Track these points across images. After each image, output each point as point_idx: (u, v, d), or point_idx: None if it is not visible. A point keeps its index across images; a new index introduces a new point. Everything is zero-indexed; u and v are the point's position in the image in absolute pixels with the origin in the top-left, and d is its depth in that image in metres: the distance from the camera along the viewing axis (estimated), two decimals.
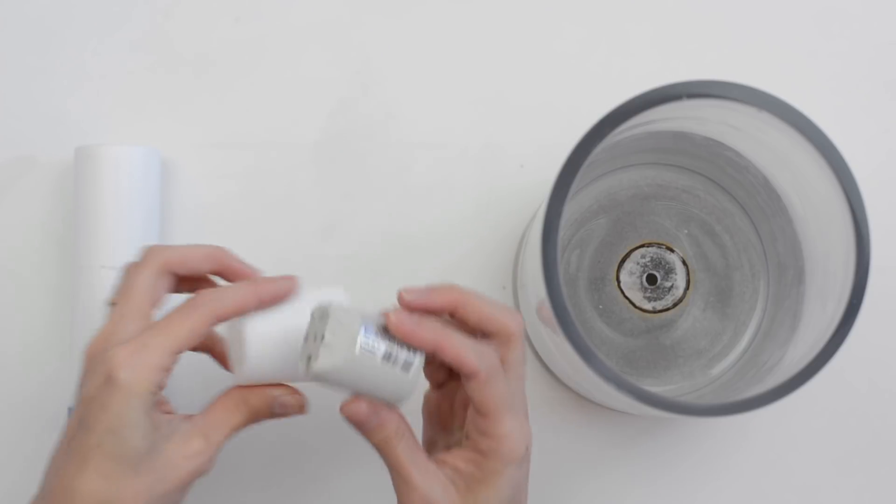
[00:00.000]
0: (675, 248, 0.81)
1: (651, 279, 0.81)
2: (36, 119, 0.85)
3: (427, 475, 0.67)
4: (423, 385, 0.72)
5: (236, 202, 0.85)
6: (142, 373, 0.64)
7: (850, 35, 0.86)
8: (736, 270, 0.81)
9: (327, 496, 0.84)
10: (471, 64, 0.86)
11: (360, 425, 0.67)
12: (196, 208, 0.85)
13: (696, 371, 0.81)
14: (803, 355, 0.69)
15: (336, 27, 0.86)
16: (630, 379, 0.71)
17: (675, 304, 0.81)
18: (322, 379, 0.65)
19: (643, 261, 0.81)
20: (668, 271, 0.81)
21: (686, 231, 0.81)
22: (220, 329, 0.71)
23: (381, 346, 0.65)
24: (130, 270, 0.69)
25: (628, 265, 0.81)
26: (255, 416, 0.69)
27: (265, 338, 0.68)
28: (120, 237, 0.81)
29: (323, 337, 0.64)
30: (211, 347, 0.75)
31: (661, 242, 0.81)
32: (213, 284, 0.72)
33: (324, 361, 0.65)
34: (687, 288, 0.81)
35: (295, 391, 0.70)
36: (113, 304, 0.69)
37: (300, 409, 0.70)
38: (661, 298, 0.81)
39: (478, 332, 0.68)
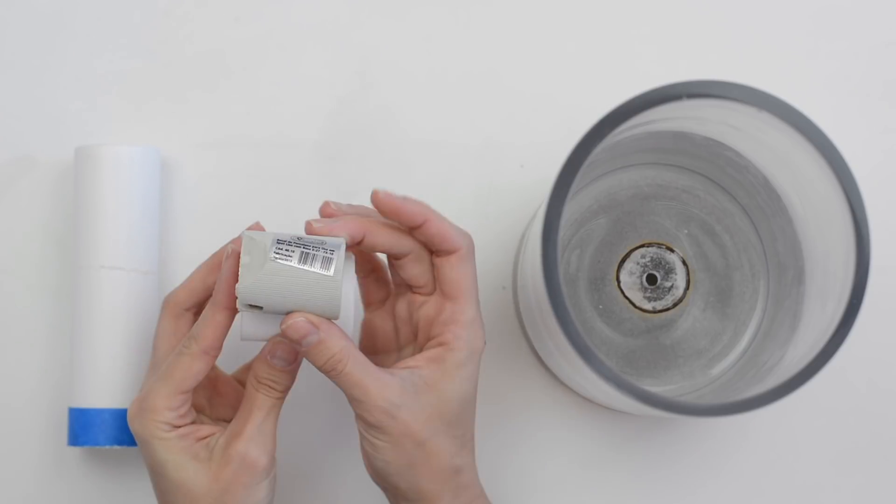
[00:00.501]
0: (675, 248, 0.81)
1: (651, 279, 0.81)
2: (36, 119, 0.85)
3: (382, 385, 0.69)
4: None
5: (236, 202, 0.85)
6: (148, 420, 0.71)
7: (850, 35, 0.86)
8: (736, 270, 0.81)
9: (326, 496, 0.84)
10: (471, 63, 0.86)
11: (300, 342, 0.68)
12: (196, 208, 0.85)
13: (696, 371, 0.81)
14: (803, 355, 0.69)
15: (336, 27, 0.86)
16: (630, 379, 0.71)
17: (675, 304, 0.81)
18: (252, 301, 0.67)
19: (643, 261, 0.81)
20: (668, 271, 0.81)
21: (686, 231, 0.81)
22: None
23: (295, 251, 0.67)
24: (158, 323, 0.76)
25: (628, 265, 0.81)
26: (272, 382, 0.71)
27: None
28: (120, 237, 0.80)
29: (242, 261, 0.67)
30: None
31: (661, 242, 0.81)
32: None
33: (242, 281, 0.67)
34: (687, 288, 0.81)
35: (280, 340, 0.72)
36: None
37: (296, 341, 0.69)
38: (661, 298, 0.81)
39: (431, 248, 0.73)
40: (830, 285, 0.70)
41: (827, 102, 0.85)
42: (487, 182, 0.85)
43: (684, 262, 0.81)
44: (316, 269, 0.67)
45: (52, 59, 0.85)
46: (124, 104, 0.85)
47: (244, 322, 0.70)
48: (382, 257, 0.77)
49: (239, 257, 0.69)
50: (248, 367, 0.79)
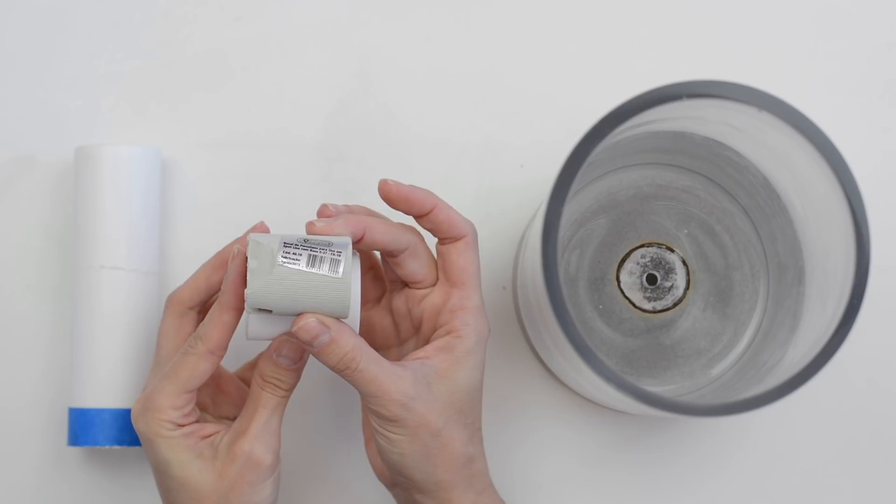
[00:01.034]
0: (675, 248, 0.81)
1: (651, 279, 0.81)
2: (36, 119, 0.85)
3: (397, 379, 0.70)
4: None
5: (236, 202, 0.85)
6: (152, 419, 0.71)
7: (850, 35, 0.86)
8: (736, 270, 0.81)
9: (324, 495, 0.84)
10: (471, 63, 0.86)
11: (312, 343, 0.68)
12: (196, 208, 0.85)
13: (696, 371, 0.81)
14: (803, 355, 0.69)
15: (336, 27, 0.86)
16: (630, 379, 0.71)
17: (675, 304, 0.81)
18: (261, 305, 0.67)
19: (643, 261, 0.81)
20: (668, 271, 0.81)
21: (686, 231, 0.81)
22: None
23: (303, 254, 0.67)
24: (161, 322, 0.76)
25: (628, 265, 0.81)
26: (277, 380, 0.71)
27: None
28: (120, 237, 0.80)
29: (249, 265, 0.67)
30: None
31: (661, 242, 0.81)
32: None
33: (251, 286, 0.67)
34: (687, 288, 0.81)
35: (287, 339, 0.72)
36: None
37: (307, 342, 0.69)
38: (661, 298, 0.81)
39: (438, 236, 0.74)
40: (830, 285, 0.70)
41: (827, 102, 0.85)
42: (487, 182, 0.85)
43: (684, 262, 0.81)
44: (325, 271, 0.67)
45: (52, 59, 0.85)
46: (124, 104, 0.85)
47: (250, 321, 0.70)
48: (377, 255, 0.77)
49: (246, 259, 0.69)
50: (251, 365, 0.79)
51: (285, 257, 0.67)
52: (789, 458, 0.84)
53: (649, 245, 0.81)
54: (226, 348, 0.71)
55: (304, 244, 0.68)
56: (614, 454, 0.84)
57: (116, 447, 0.80)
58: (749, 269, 0.81)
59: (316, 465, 0.84)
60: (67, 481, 0.84)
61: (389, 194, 0.72)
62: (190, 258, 0.81)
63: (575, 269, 0.81)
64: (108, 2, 0.85)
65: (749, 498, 0.84)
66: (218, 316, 0.71)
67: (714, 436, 0.84)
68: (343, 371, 0.69)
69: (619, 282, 0.81)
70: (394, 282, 0.76)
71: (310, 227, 0.70)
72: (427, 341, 0.74)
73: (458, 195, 0.85)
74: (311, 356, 0.72)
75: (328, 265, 0.67)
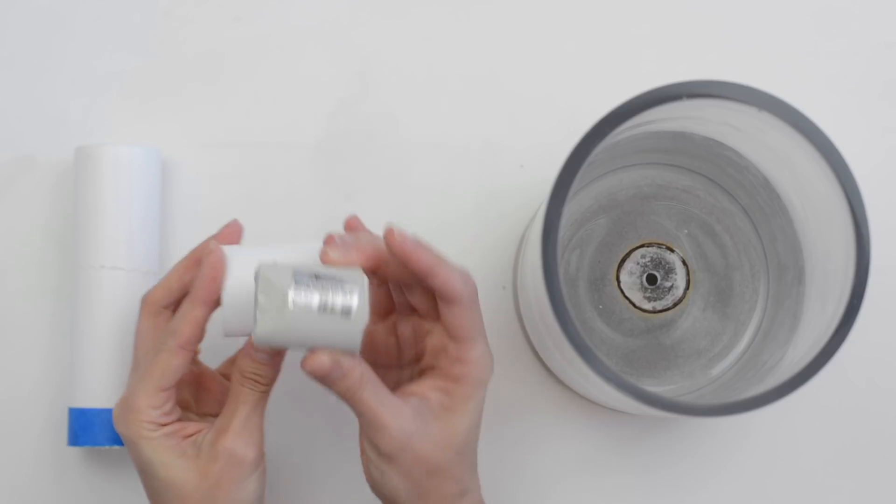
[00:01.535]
0: (675, 248, 0.81)
1: (651, 279, 0.81)
2: (36, 119, 0.85)
3: (397, 413, 0.69)
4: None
5: (236, 202, 0.85)
6: (132, 420, 0.71)
7: (850, 35, 0.86)
8: (736, 270, 0.81)
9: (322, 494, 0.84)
10: (470, 64, 0.86)
11: (323, 379, 0.68)
12: (196, 208, 0.85)
13: (696, 371, 0.81)
14: (803, 355, 0.69)
15: (336, 27, 0.86)
16: (630, 379, 0.71)
17: (675, 304, 0.81)
18: (269, 345, 0.66)
19: (643, 261, 0.81)
20: (668, 271, 0.81)
21: (686, 231, 0.81)
22: None
23: (315, 297, 0.65)
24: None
25: (628, 265, 0.81)
26: (257, 376, 0.71)
27: (235, 295, 0.70)
28: (120, 237, 0.80)
29: (258, 301, 0.66)
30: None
31: (661, 242, 0.81)
32: None
33: (261, 326, 0.66)
34: (687, 288, 0.81)
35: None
36: None
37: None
38: (661, 298, 0.81)
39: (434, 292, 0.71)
40: (830, 285, 0.70)
41: (827, 102, 0.85)
42: (487, 183, 0.85)
43: (684, 262, 0.81)
44: (336, 314, 0.65)
45: (52, 59, 0.85)
46: (124, 104, 0.85)
47: (226, 318, 0.70)
48: None
49: (223, 257, 0.68)
50: (232, 361, 0.79)
51: (296, 298, 0.65)
52: (789, 458, 0.84)
53: (649, 245, 0.81)
54: (197, 343, 0.71)
55: (316, 282, 0.66)
56: (614, 454, 0.84)
57: (116, 447, 0.80)
58: (749, 269, 0.81)
59: (308, 462, 0.84)
60: (67, 481, 0.84)
61: (392, 247, 0.69)
62: None
63: (575, 269, 0.81)
64: (108, 2, 0.85)
65: (749, 498, 0.84)
66: (189, 310, 0.71)
67: (714, 436, 0.84)
68: (345, 397, 0.68)
69: (619, 282, 0.81)
70: (403, 305, 0.75)
71: (324, 257, 0.69)
72: (426, 372, 0.73)
73: (457, 196, 0.85)
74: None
75: (340, 307, 0.65)
